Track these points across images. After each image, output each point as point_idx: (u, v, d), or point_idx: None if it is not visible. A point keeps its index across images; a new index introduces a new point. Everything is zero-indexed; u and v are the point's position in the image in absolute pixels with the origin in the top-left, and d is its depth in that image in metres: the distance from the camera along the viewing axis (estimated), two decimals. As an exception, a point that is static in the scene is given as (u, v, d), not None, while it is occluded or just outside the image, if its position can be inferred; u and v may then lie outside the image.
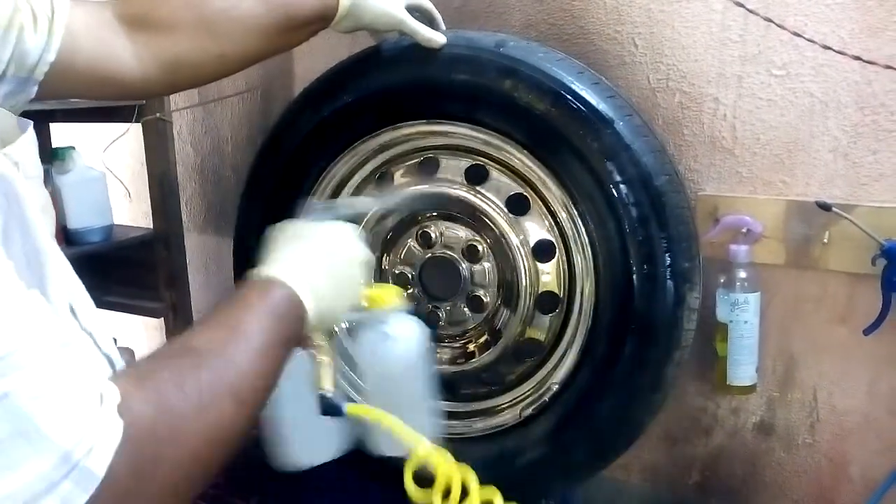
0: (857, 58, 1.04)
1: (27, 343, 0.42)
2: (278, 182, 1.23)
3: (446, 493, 0.76)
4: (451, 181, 1.18)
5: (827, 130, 1.08)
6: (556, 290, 1.14)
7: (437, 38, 1.06)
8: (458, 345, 1.24)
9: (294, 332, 0.65)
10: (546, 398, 1.13)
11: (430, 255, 1.23)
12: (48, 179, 1.41)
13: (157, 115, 1.50)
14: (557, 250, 1.13)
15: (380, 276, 1.28)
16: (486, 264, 1.18)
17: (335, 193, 1.24)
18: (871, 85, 1.04)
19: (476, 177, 1.17)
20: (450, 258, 1.21)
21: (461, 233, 1.20)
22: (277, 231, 0.75)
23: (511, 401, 1.19)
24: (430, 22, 1.10)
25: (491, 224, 1.16)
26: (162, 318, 1.63)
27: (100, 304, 0.64)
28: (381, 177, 1.24)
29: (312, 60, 1.35)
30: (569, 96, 1.01)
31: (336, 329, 1.12)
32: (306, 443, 0.83)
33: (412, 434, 0.76)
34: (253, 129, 1.66)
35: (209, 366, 0.54)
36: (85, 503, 0.42)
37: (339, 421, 0.79)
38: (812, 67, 1.08)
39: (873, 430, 1.14)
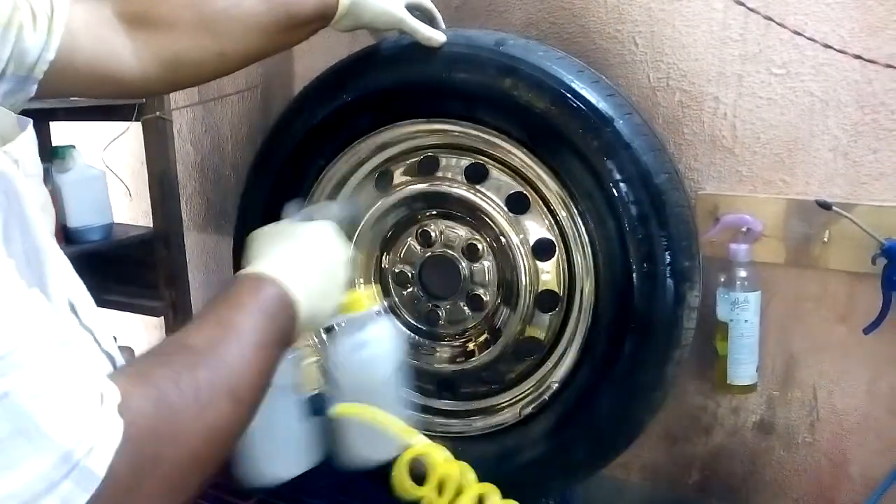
0: (858, 56, 1.03)
1: (27, 342, 0.42)
2: (278, 181, 1.23)
3: (440, 489, 0.75)
4: (450, 180, 1.19)
5: (827, 129, 1.08)
6: (556, 289, 1.13)
7: (436, 36, 1.06)
8: (457, 343, 1.24)
9: (286, 331, 0.65)
10: (546, 397, 1.13)
11: (429, 253, 1.23)
12: (48, 178, 1.41)
13: (157, 113, 1.50)
14: (557, 249, 1.13)
15: (380, 275, 1.28)
16: (486, 263, 1.18)
17: (335, 192, 1.24)
18: (871, 84, 1.04)
19: (476, 175, 1.17)
20: (450, 257, 1.21)
21: (461, 231, 1.20)
22: (261, 232, 0.75)
23: (511, 399, 1.19)
24: (429, 21, 1.10)
25: (491, 223, 1.15)
26: (162, 317, 1.63)
27: (100, 302, 0.64)
28: (381, 175, 1.24)
29: (312, 59, 1.35)
30: (569, 95, 1.01)
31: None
32: (278, 455, 0.81)
33: (407, 429, 0.76)
34: (253, 128, 1.66)
35: (206, 365, 0.54)
36: (85, 503, 0.42)
37: (313, 431, 0.77)
38: (812, 66, 1.07)
39: (873, 429, 1.14)
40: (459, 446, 1.08)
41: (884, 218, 1.04)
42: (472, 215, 1.18)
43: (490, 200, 1.15)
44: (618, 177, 1.00)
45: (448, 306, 1.23)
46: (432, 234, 1.22)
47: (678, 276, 1.01)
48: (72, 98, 1.15)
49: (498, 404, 1.20)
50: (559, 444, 1.10)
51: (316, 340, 1.17)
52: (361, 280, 1.28)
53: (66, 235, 1.45)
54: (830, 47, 1.05)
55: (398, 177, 1.23)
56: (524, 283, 1.13)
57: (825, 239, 1.09)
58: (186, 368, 0.52)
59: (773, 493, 1.24)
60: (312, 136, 1.19)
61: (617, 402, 1.05)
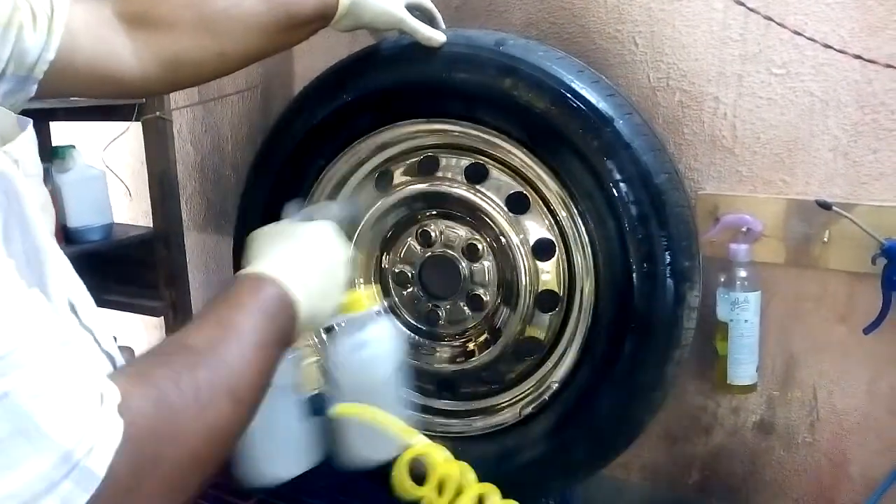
0: (858, 56, 1.03)
1: (27, 342, 0.42)
2: (278, 181, 1.23)
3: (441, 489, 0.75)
4: (450, 180, 1.19)
5: (827, 129, 1.08)
6: (556, 289, 1.13)
7: (436, 36, 1.06)
8: (457, 343, 1.24)
9: (286, 331, 0.65)
10: (546, 397, 1.13)
11: (429, 253, 1.23)
12: (48, 178, 1.41)
13: (157, 113, 1.50)
14: (557, 249, 1.13)
15: (380, 275, 1.28)
16: (486, 263, 1.18)
17: (335, 192, 1.24)
18: (871, 84, 1.04)
19: (476, 175, 1.17)
20: (450, 257, 1.21)
21: (461, 231, 1.20)
22: (261, 232, 0.75)
23: (511, 399, 1.19)
24: (429, 21, 1.10)
25: (491, 223, 1.15)
26: (162, 317, 1.63)
27: (100, 302, 0.64)
28: (381, 175, 1.24)
29: (312, 59, 1.35)
30: (569, 95, 1.01)
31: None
32: (278, 455, 0.81)
33: (407, 429, 0.76)
34: (253, 128, 1.66)
35: (206, 365, 0.54)
36: (85, 503, 0.42)
37: (313, 431, 0.77)
38: (812, 66, 1.07)
39: (873, 429, 1.14)
40: (459, 446, 1.08)
41: (884, 218, 1.04)
42: (472, 215, 1.18)
43: (490, 200, 1.15)
44: (618, 177, 1.00)
45: (448, 306, 1.23)
46: (432, 234, 1.22)
47: (678, 276, 1.01)
48: (72, 98, 1.15)
49: (498, 404, 1.20)
50: (559, 444, 1.10)
51: (316, 340, 1.17)
52: (361, 280, 1.28)
53: (66, 235, 1.45)
54: (830, 47, 1.05)
55: (398, 177, 1.23)
56: (524, 283, 1.13)
57: (825, 239, 1.09)
58: (186, 368, 0.52)
59: (773, 493, 1.24)
60: (312, 136, 1.19)
61: (617, 402, 1.05)
